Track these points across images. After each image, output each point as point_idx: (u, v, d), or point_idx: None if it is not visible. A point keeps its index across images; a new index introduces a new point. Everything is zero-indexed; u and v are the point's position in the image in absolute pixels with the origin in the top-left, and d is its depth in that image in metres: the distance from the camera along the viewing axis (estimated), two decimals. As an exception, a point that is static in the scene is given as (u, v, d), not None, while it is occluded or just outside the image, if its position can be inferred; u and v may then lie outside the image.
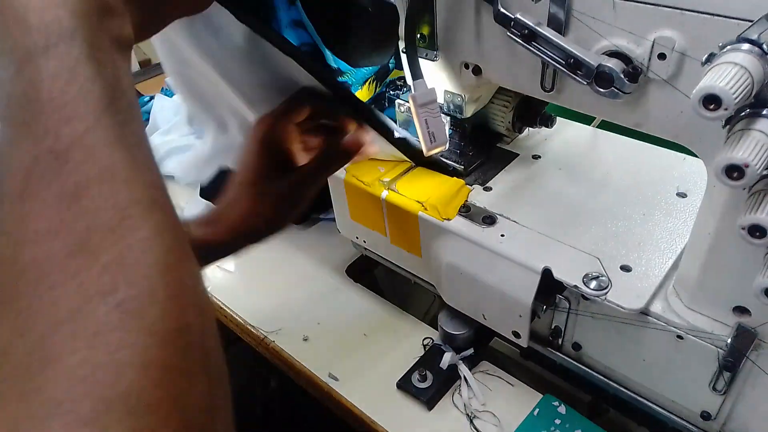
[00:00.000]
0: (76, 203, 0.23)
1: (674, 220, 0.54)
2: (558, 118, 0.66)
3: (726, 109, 0.31)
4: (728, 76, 0.31)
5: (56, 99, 0.24)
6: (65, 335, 0.21)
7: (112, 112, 0.25)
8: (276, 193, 0.51)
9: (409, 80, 0.52)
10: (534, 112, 0.63)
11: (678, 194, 0.57)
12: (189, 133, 1.01)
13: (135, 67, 1.77)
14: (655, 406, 0.54)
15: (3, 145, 0.25)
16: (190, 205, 0.87)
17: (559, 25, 0.42)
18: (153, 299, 0.23)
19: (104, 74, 0.26)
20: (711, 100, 0.31)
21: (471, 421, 0.58)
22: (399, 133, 0.56)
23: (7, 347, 0.22)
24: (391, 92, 0.61)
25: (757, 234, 0.33)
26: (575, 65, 0.41)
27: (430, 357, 0.64)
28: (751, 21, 0.34)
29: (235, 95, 0.55)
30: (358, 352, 0.67)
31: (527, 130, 0.66)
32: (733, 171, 0.32)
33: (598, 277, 0.50)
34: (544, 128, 0.65)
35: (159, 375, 0.22)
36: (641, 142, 0.65)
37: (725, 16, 0.35)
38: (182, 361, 0.23)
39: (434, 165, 0.62)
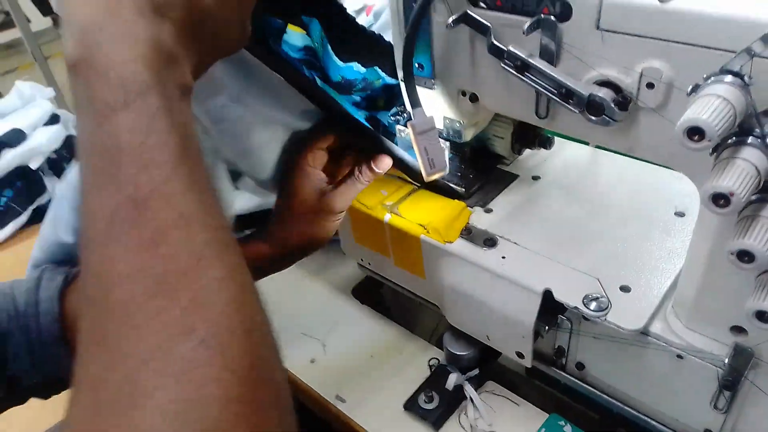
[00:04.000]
0: (155, 248, 0.25)
1: (672, 240, 0.55)
2: (557, 138, 0.67)
3: (710, 141, 0.32)
4: (711, 108, 0.32)
5: (135, 150, 0.26)
6: (153, 372, 0.23)
7: (185, 160, 0.28)
8: (318, 210, 0.55)
9: (408, 107, 0.54)
10: (533, 134, 0.64)
11: (676, 213, 0.58)
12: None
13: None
14: (659, 425, 0.54)
15: (87, 192, 0.27)
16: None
17: (551, 56, 0.44)
18: (232, 336, 0.25)
19: (176, 124, 0.28)
20: (695, 132, 0.32)
21: (477, 442, 0.59)
22: (402, 155, 0.58)
23: (98, 383, 0.24)
24: (392, 118, 0.62)
25: (746, 259, 0.34)
26: (567, 95, 0.42)
27: (436, 378, 0.65)
28: (733, 52, 0.35)
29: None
30: (364, 374, 0.68)
31: (526, 151, 0.68)
32: (720, 199, 0.33)
33: (597, 298, 0.50)
34: (542, 149, 0.66)
35: (240, 409, 0.24)
36: (640, 162, 0.66)
37: (709, 47, 0.37)
38: (258, 395, 0.25)
39: (438, 188, 0.63)
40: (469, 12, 0.46)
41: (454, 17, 0.46)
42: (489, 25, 0.45)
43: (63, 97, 1.81)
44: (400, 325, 0.73)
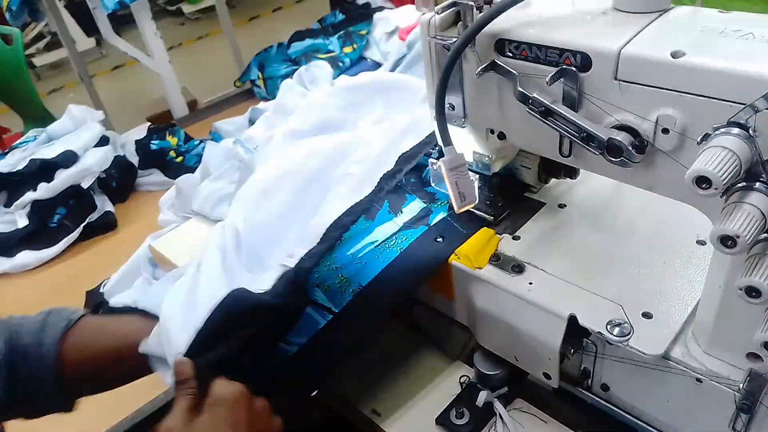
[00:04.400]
0: None
1: (694, 268, 0.58)
2: (588, 171, 0.70)
3: (716, 189, 0.35)
4: (717, 159, 0.36)
5: None
6: None
7: None
8: None
9: (440, 144, 0.58)
10: (559, 165, 0.68)
11: (698, 242, 0.61)
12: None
13: (183, 109, 1.89)
14: (681, 445, 0.57)
15: None
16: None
17: (573, 102, 0.47)
18: None
19: None
20: (703, 181, 0.36)
21: (506, 457, 0.62)
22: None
23: None
24: (425, 156, 0.67)
25: (754, 294, 0.37)
26: (588, 138, 0.46)
27: (466, 394, 0.68)
28: (741, 104, 0.38)
29: None
30: (398, 389, 0.72)
31: (553, 180, 0.71)
32: (728, 240, 0.36)
33: (620, 323, 0.54)
34: (568, 179, 0.69)
35: None
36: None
37: (719, 99, 0.40)
38: None
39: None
40: (496, 61, 0.50)
41: (483, 66, 0.50)
42: (515, 73, 0.49)
43: (108, 118, 1.91)
44: (431, 344, 0.77)
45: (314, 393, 0.65)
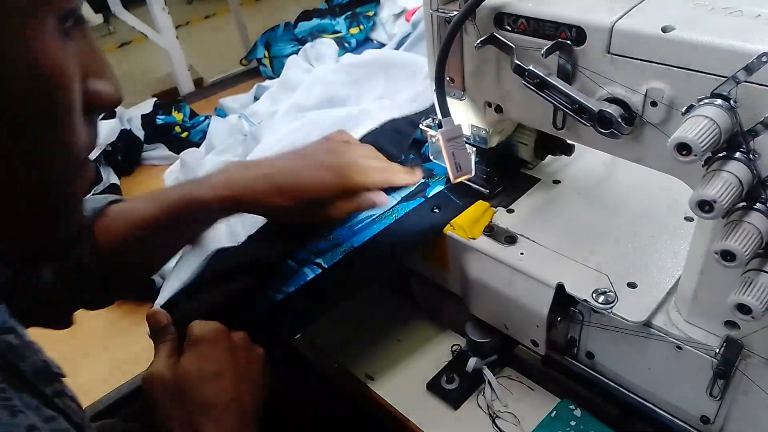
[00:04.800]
0: None
1: (679, 242, 0.60)
2: (577, 145, 0.72)
3: (696, 155, 0.37)
4: (698, 128, 0.37)
5: None
6: None
7: None
8: None
9: (439, 116, 0.60)
10: (554, 141, 0.70)
11: (686, 218, 0.63)
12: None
13: (189, 86, 1.90)
14: (661, 411, 0.59)
15: None
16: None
17: (567, 75, 0.49)
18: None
19: None
20: (683, 148, 0.38)
21: (493, 421, 0.65)
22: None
23: None
24: (424, 125, 0.68)
25: (729, 258, 0.39)
26: (580, 110, 0.48)
27: (457, 362, 0.71)
28: (724, 77, 0.40)
29: None
30: (392, 356, 0.74)
31: (548, 156, 0.73)
32: (705, 205, 0.38)
33: (605, 292, 0.56)
34: (564, 155, 0.71)
35: None
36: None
37: (705, 72, 0.42)
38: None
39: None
40: (495, 34, 0.51)
41: (482, 38, 0.52)
42: (513, 46, 0.51)
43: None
44: (426, 314, 0.79)
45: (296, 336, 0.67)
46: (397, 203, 0.69)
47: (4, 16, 0.30)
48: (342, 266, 0.63)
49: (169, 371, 0.51)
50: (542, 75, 0.49)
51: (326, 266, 0.63)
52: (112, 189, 1.35)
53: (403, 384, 0.70)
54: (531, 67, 0.49)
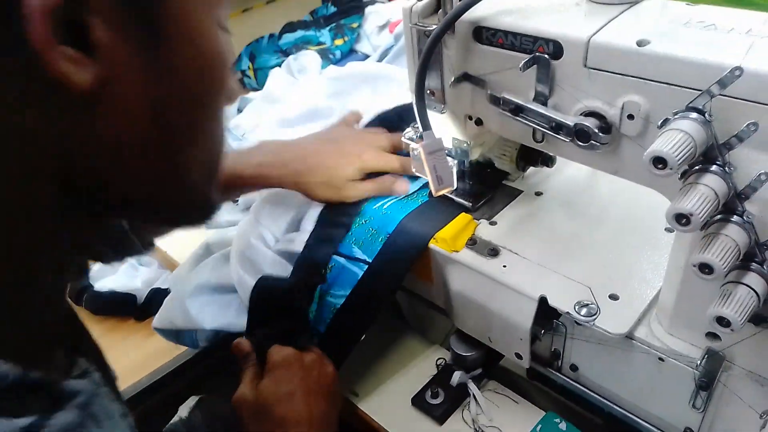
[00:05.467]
0: None
1: (660, 253, 0.60)
2: (559, 157, 0.72)
3: (671, 169, 0.37)
4: (673, 141, 0.37)
5: None
6: None
7: None
8: None
9: (420, 129, 0.60)
10: (536, 153, 0.70)
11: (666, 229, 0.63)
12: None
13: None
14: (645, 424, 0.59)
15: None
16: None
17: (545, 89, 0.49)
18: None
19: None
20: (659, 161, 0.38)
21: (478, 435, 0.64)
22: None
23: None
24: (406, 139, 0.68)
25: (706, 270, 0.39)
26: (557, 127, 0.48)
27: (442, 376, 0.70)
28: (699, 90, 0.40)
29: None
30: (377, 371, 0.73)
31: (530, 168, 0.73)
32: (682, 218, 0.38)
33: (588, 304, 0.56)
34: (545, 167, 0.71)
35: None
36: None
37: (681, 86, 0.42)
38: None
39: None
40: (468, 72, 0.52)
41: (455, 76, 0.53)
42: (485, 80, 0.51)
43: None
44: (413, 329, 0.79)
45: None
46: (420, 187, 0.72)
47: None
48: (383, 258, 0.66)
49: (252, 394, 0.59)
50: (516, 101, 0.49)
51: (371, 261, 0.66)
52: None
53: (388, 399, 0.70)
54: (504, 95, 0.50)
